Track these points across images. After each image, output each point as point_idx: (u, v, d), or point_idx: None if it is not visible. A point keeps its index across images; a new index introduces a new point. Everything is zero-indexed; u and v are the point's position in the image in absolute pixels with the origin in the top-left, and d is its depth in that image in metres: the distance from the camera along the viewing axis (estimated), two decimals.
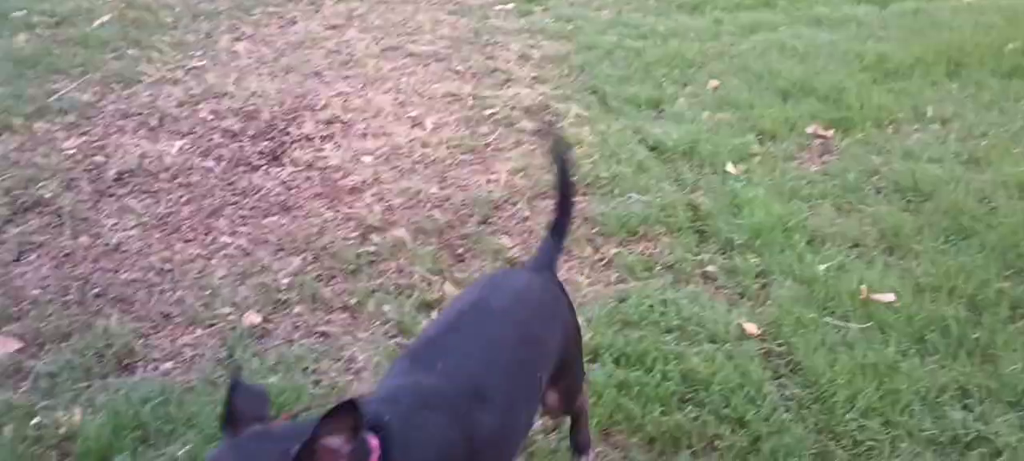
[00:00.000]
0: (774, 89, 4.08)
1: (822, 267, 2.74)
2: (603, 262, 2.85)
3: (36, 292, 2.68)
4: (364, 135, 3.63)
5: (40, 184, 3.25)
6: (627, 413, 2.20)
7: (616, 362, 2.36)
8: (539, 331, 1.73)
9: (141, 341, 2.48)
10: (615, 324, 2.51)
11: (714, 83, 4.18)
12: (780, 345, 2.45)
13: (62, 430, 2.15)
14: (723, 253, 2.88)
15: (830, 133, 3.67)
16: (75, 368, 2.36)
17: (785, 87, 4.08)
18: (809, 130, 3.69)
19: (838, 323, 2.52)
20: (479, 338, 1.61)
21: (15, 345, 2.45)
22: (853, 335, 2.46)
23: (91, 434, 2.11)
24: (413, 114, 3.85)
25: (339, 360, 2.41)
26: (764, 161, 3.45)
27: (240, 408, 1.28)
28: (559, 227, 1.94)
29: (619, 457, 2.12)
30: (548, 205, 3.17)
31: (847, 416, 2.18)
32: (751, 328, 2.51)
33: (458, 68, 4.38)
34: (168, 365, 2.40)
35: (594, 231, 2.99)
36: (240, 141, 3.59)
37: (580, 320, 2.47)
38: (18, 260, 2.84)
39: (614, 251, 2.88)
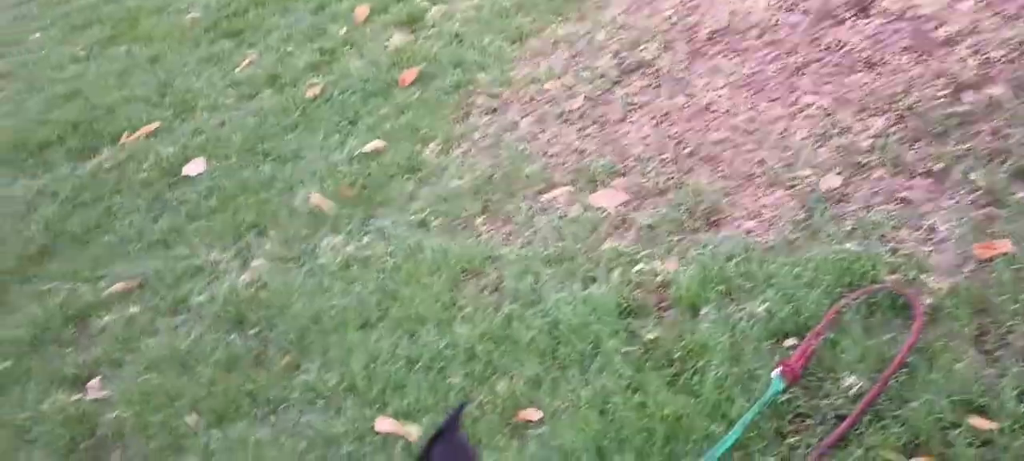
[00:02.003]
0: None
1: None
2: None
3: (638, 150, 3.02)
4: None
5: (641, 46, 3.58)
6: None
7: None
8: None
9: (726, 199, 2.68)
10: None
11: None
12: None
13: (659, 278, 2.45)
14: None
15: None
16: (670, 221, 2.64)
17: None
18: None
19: None
20: None
21: (622, 197, 2.82)
22: None
23: (683, 284, 2.38)
24: None
25: (919, 229, 2.35)
26: None
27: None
28: None
29: None
30: None
31: None
32: None
33: None
34: (750, 224, 2.56)
35: None
36: None
37: None
38: (623, 119, 3.22)
39: None
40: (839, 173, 2.62)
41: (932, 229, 2.33)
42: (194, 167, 3.67)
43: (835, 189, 2.56)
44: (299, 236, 3.09)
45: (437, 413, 2.24)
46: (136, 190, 3.64)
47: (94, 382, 2.70)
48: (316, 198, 3.24)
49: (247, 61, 4.49)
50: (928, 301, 2.10)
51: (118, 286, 3.08)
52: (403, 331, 2.53)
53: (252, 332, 2.71)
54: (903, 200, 2.45)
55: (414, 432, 2.20)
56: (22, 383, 2.76)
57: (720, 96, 3.14)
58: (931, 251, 2.26)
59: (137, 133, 4.06)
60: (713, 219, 2.63)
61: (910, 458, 1.78)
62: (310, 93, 3.97)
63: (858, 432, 1.86)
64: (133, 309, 2.95)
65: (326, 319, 2.64)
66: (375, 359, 2.45)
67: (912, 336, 1.97)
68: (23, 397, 2.70)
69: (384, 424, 2.24)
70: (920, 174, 2.51)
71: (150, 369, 2.67)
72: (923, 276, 2.17)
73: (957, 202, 2.38)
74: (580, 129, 3.22)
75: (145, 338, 2.81)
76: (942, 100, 2.74)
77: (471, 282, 2.67)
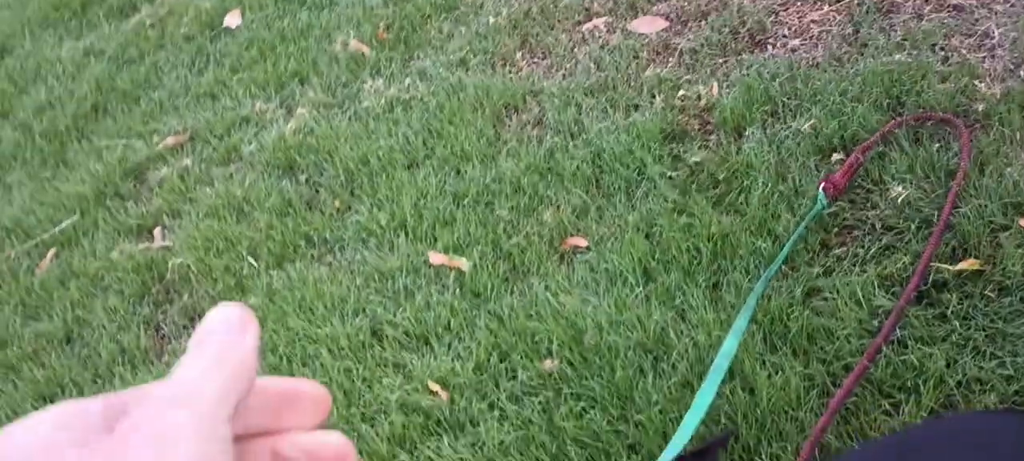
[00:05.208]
0: None
1: None
2: None
3: None
4: None
5: None
6: None
7: None
8: None
9: (771, 18, 2.62)
10: None
11: None
12: None
13: (702, 101, 2.44)
14: None
15: None
16: (713, 45, 2.60)
17: None
18: None
19: None
20: None
21: (662, 24, 2.77)
22: None
23: (727, 106, 2.36)
24: None
25: (971, 36, 2.28)
26: None
27: None
28: None
29: None
30: None
31: None
32: None
33: None
34: (796, 42, 2.51)
35: None
36: None
37: None
38: None
39: None
40: None
41: (986, 34, 2.26)
42: (232, 19, 3.66)
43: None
44: (340, 82, 3.10)
45: (485, 245, 2.29)
46: (179, 45, 3.66)
47: (157, 231, 2.79)
48: (354, 43, 3.23)
49: None
50: (980, 107, 2.07)
51: (170, 140, 3.14)
52: (449, 168, 2.56)
53: (303, 177, 2.76)
54: (955, 7, 2.38)
55: (465, 264, 2.26)
56: (91, 235, 2.87)
57: None
58: (984, 57, 2.21)
59: None
60: (757, 39, 2.58)
61: (958, 262, 1.79)
62: None
63: (905, 240, 1.87)
64: (186, 161, 3.01)
65: (373, 161, 2.67)
66: (424, 196, 2.50)
67: (960, 174, 1.93)
68: (93, 247, 2.80)
69: (437, 257, 2.30)
70: None
71: (209, 217, 2.75)
72: (975, 82, 2.13)
73: (1012, 5, 2.30)
74: None
75: (201, 187, 2.88)
76: None
77: (514, 117, 2.67)
